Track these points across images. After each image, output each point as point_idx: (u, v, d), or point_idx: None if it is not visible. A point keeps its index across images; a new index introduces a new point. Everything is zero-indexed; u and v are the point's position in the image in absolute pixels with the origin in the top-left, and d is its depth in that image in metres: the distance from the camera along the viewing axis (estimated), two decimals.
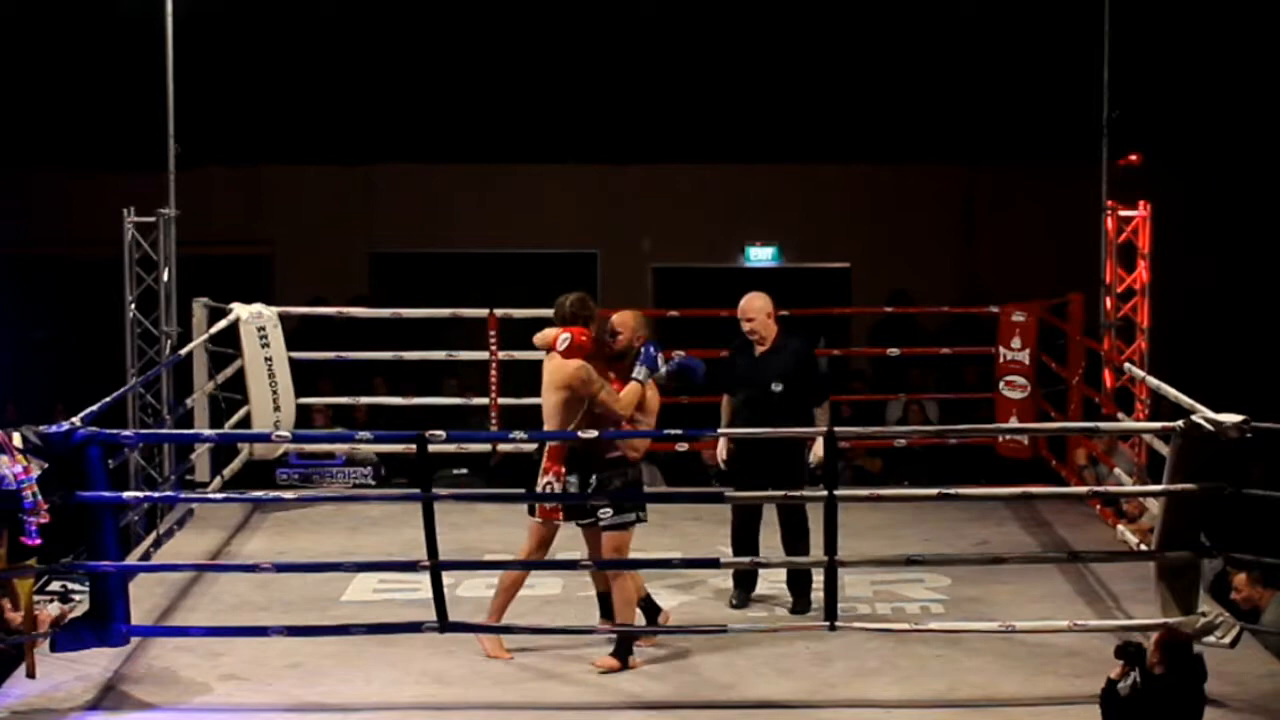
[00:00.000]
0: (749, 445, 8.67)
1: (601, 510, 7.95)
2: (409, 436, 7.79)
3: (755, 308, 8.92)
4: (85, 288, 16.15)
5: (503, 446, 11.98)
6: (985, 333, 12.27)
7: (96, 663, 7.88)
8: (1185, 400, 8.34)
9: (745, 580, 8.91)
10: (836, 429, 8.11)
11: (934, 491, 8.22)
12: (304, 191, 17.67)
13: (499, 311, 11.72)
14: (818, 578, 8.45)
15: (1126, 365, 10.86)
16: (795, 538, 8.81)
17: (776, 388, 8.78)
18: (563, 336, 7.96)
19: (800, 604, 8.78)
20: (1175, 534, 7.80)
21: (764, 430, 8.48)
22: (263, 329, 11.24)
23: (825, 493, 7.68)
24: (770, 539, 8.96)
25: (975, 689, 7.73)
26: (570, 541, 10.13)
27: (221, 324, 11.14)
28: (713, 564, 8.20)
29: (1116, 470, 10.51)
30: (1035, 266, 15.82)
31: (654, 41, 17.37)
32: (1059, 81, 15.31)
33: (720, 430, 8.82)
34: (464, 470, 12.62)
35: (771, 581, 9.03)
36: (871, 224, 17.59)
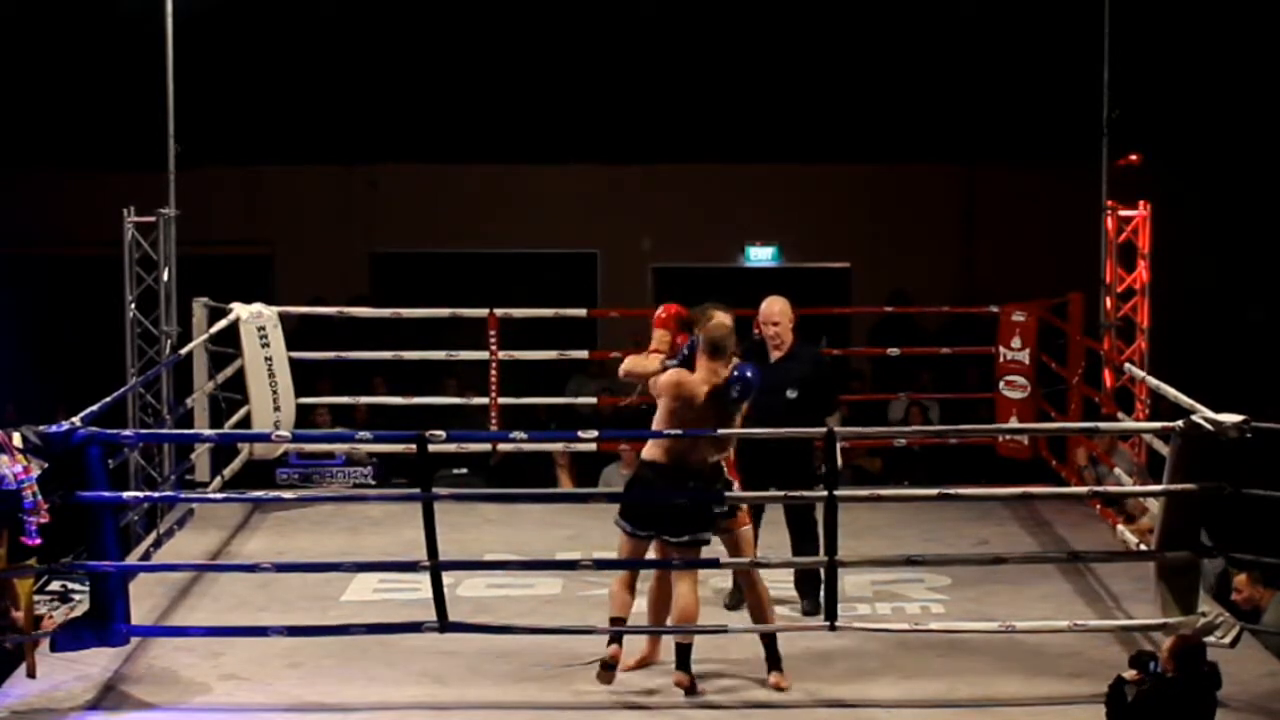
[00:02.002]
0: (758, 449, 8.62)
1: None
2: (409, 436, 7.78)
3: (779, 311, 8.88)
4: (85, 288, 16.14)
5: (503, 446, 11.98)
6: (985, 333, 12.26)
7: (96, 663, 7.88)
8: (1185, 400, 8.34)
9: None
10: (836, 429, 8.09)
11: (934, 491, 8.22)
12: (304, 191, 17.66)
13: (499, 311, 11.72)
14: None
15: (1126, 365, 10.86)
16: (804, 539, 8.77)
17: (791, 394, 8.71)
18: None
19: (811, 604, 8.73)
20: (1175, 534, 7.80)
21: (765, 430, 8.31)
22: (263, 329, 11.23)
23: (825, 493, 7.69)
24: (767, 538, 8.91)
25: (975, 689, 7.73)
26: (570, 542, 10.16)
27: (221, 324, 11.13)
28: (713, 564, 8.17)
29: (1116, 470, 10.50)
30: (1035, 266, 15.81)
31: (654, 41, 17.36)
32: (1059, 81, 15.30)
33: (723, 431, 8.71)
34: (464, 470, 12.61)
35: (770, 582, 9.00)
36: (871, 224, 17.58)
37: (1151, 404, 10.57)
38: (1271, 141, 16.39)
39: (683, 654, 7.78)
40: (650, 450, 7.87)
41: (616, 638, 7.77)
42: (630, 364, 8.13)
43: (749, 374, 7.79)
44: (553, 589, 9.21)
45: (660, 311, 8.22)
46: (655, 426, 7.85)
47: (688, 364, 7.87)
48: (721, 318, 7.87)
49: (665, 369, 7.92)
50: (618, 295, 17.21)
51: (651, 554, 7.91)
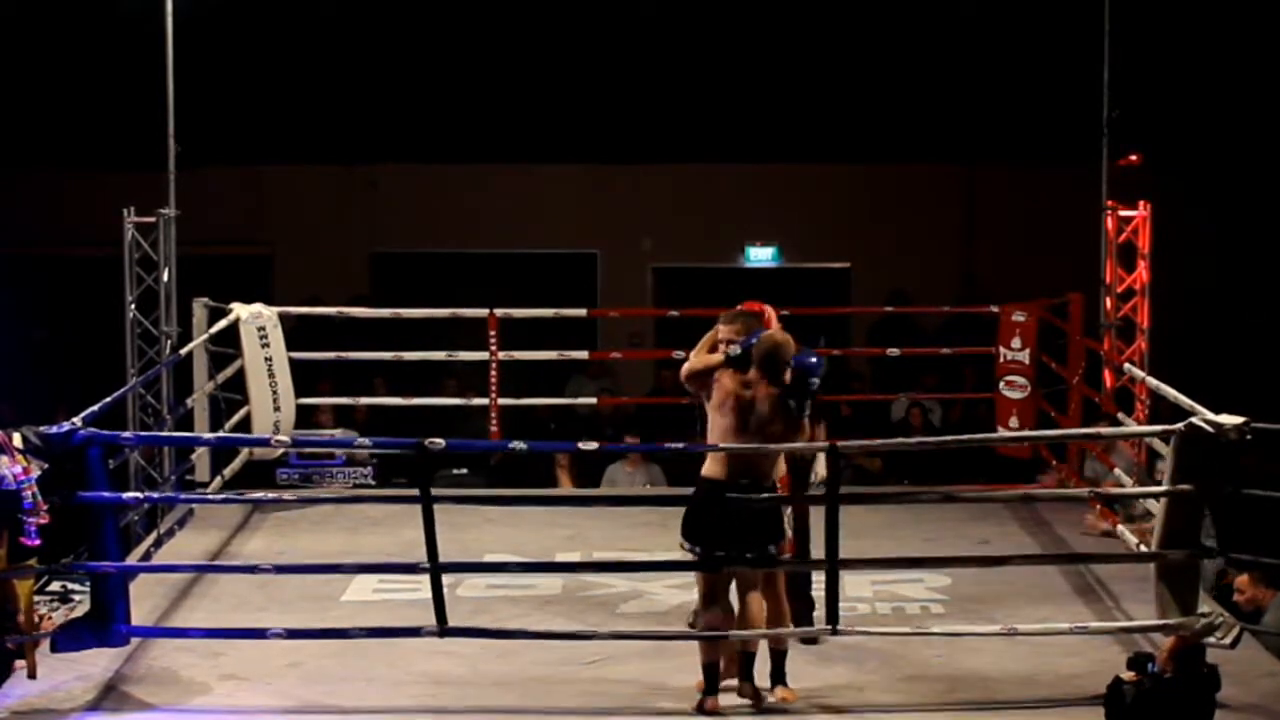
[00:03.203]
0: None
1: None
2: (409, 444, 7.74)
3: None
4: (85, 288, 16.14)
5: None
6: (985, 333, 12.27)
7: (96, 663, 7.88)
8: (1185, 401, 8.33)
9: None
10: (840, 443, 7.85)
11: (936, 493, 8.20)
12: (304, 191, 17.67)
13: (499, 311, 11.72)
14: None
15: (1126, 365, 10.86)
16: (801, 547, 8.64)
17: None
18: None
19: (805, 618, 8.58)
20: (1175, 534, 7.80)
21: (766, 446, 8.05)
22: (263, 329, 11.24)
23: (826, 495, 7.66)
24: None
25: (975, 689, 7.73)
26: (570, 542, 10.16)
27: (221, 324, 11.14)
28: (714, 566, 8.15)
29: (1116, 470, 10.50)
30: (1035, 266, 15.81)
31: (654, 41, 17.36)
32: (1059, 81, 15.31)
33: (725, 446, 8.37)
34: (464, 470, 12.62)
35: None
36: (871, 224, 17.59)
37: (1151, 404, 10.57)
38: (1272, 142, 16.39)
39: (749, 664, 7.62)
40: (709, 467, 7.55)
41: (713, 688, 7.53)
42: (692, 363, 7.62)
43: (812, 359, 7.53)
44: (553, 589, 9.20)
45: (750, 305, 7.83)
46: (711, 439, 7.53)
47: (742, 361, 7.56)
48: (777, 332, 7.60)
49: (729, 356, 7.52)
50: (618, 295, 17.23)
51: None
